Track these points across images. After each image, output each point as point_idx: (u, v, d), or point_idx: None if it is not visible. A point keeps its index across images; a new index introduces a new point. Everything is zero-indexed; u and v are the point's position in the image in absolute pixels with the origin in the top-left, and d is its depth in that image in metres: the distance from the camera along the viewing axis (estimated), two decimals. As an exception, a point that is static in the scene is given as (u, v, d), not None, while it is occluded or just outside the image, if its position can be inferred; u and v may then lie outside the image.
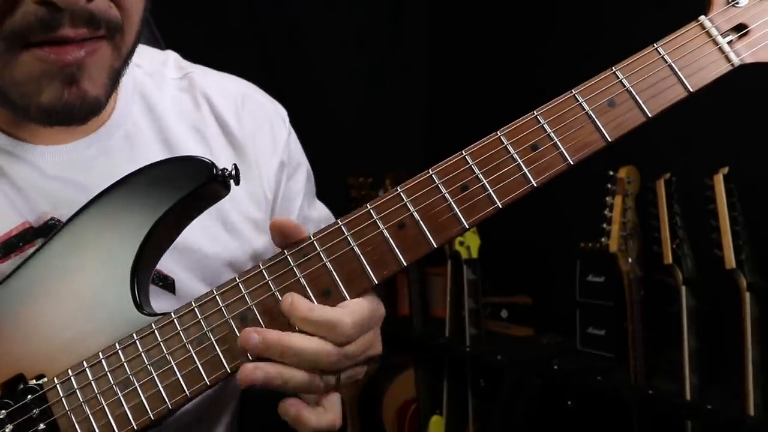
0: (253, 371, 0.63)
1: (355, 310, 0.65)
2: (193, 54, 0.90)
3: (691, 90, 0.68)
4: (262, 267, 0.66)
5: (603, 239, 1.76)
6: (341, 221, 0.66)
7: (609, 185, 1.76)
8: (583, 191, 2.03)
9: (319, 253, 0.65)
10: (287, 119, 0.94)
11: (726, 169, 1.53)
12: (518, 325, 2.26)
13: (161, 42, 1.10)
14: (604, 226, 1.76)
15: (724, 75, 0.69)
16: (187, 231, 0.73)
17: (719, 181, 1.53)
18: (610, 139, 0.66)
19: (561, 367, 1.90)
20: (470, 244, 2.14)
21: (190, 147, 0.83)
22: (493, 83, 2.38)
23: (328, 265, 0.65)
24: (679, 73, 0.68)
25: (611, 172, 1.76)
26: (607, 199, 1.76)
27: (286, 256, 0.66)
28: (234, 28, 2.35)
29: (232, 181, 0.69)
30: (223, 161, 0.84)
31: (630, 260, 1.73)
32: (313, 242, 0.66)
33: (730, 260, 1.50)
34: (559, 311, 2.10)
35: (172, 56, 0.90)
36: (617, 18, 1.98)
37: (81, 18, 0.64)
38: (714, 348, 1.64)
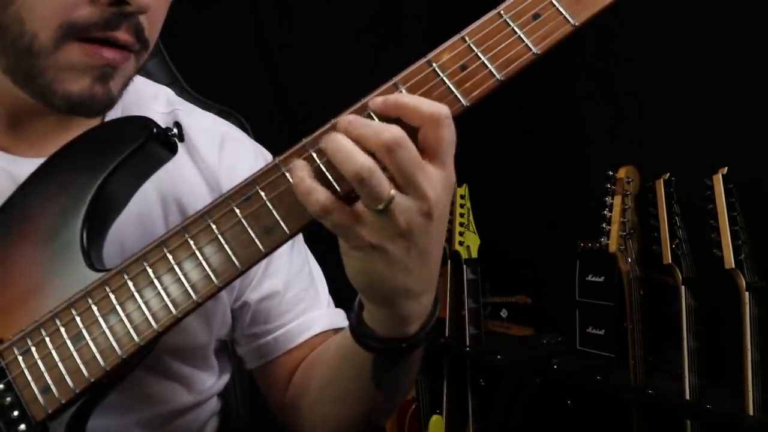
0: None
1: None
2: (194, 55, 0.90)
3: None
4: (203, 211, 0.66)
5: (603, 239, 1.76)
6: (278, 158, 0.66)
7: (609, 185, 1.77)
8: (582, 191, 2.03)
9: (257, 191, 0.65)
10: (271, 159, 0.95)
11: (726, 169, 1.53)
12: (518, 325, 2.26)
13: (161, 47, 1.12)
14: (604, 226, 1.76)
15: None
16: None
17: (719, 181, 1.53)
18: (539, 52, 0.67)
19: (561, 366, 1.90)
20: (470, 244, 2.14)
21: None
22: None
23: (268, 203, 0.65)
24: None
25: (611, 172, 1.76)
26: (607, 199, 1.77)
27: (226, 199, 0.65)
28: (234, 28, 2.35)
29: (176, 141, 0.70)
30: (196, 187, 0.85)
31: (629, 260, 1.73)
32: (251, 182, 0.65)
33: (730, 260, 1.50)
34: (559, 311, 2.10)
35: (164, 91, 0.92)
36: (621, 21, 1.98)
37: (133, 27, 0.70)
38: (714, 348, 1.64)
